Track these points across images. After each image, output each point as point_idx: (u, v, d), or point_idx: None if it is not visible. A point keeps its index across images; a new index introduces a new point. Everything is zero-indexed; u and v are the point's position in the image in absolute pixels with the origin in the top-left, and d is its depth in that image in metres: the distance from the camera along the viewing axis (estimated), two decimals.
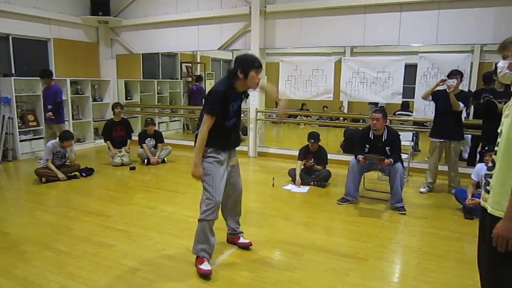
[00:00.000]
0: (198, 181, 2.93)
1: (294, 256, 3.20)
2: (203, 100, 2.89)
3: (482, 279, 1.90)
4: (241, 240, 3.38)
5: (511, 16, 5.37)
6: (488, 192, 1.77)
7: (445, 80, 4.70)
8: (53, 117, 6.67)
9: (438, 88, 4.85)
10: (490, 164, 1.81)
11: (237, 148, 3.17)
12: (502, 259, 1.70)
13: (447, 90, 4.66)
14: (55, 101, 6.70)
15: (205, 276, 2.81)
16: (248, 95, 3.04)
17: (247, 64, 2.78)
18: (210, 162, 2.85)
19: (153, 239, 3.50)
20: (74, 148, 5.93)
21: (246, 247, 3.33)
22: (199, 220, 2.91)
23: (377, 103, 7.39)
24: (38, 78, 7.19)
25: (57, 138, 5.64)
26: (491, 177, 1.76)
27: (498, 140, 1.74)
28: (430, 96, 4.92)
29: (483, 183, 1.90)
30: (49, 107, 6.69)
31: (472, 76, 7.98)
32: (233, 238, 3.40)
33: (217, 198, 2.86)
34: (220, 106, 2.77)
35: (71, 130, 7.01)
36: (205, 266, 2.86)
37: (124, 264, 3.02)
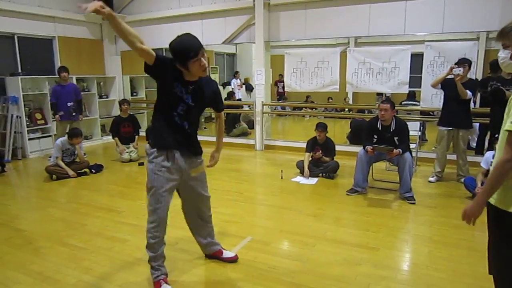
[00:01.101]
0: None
1: (306, 247, 3.23)
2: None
3: (489, 267, 1.92)
4: (225, 254, 3.00)
5: None
6: None
7: (454, 68, 4.68)
8: (74, 113, 6.71)
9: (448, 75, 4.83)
10: (495, 153, 1.82)
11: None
12: (504, 251, 1.77)
13: (455, 78, 4.64)
14: (76, 98, 6.77)
15: None
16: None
17: (182, 57, 2.32)
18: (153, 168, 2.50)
19: None
20: (83, 145, 5.97)
21: (233, 261, 2.97)
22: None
23: (385, 94, 7.38)
24: (45, 76, 7.26)
25: (66, 136, 5.68)
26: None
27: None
28: (439, 84, 4.90)
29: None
30: (69, 104, 6.64)
31: (478, 64, 7.93)
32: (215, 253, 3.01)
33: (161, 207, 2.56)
34: (163, 65, 2.39)
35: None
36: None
37: (139, 258, 3.06)
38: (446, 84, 4.84)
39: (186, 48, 2.32)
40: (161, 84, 2.48)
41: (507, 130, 1.61)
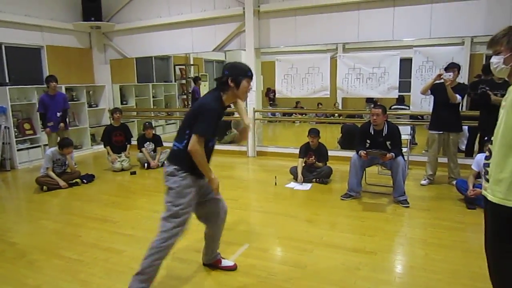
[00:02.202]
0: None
1: (303, 253, 3.23)
2: (193, 113, 2.49)
3: (489, 267, 1.94)
4: (224, 263, 3.02)
5: (501, 7, 5.46)
6: (488, 181, 1.83)
7: (442, 74, 4.76)
8: (63, 123, 6.61)
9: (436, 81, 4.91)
10: (487, 154, 1.87)
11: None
12: (502, 249, 1.79)
13: (445, 83, 4.72)
14: (65, 108, 6.66)
15: None
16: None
17: (239, 72, 2.49)
18: (185, 187, 2.53)
19: None
20: (73, 155, 5.90)
21: (231, 270, 2.99)
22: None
23: (374, 100, 7.47)
24: (33, 86, 7.17)
25: (57, 146, 5.61)
26: (489, 166, 1.83)
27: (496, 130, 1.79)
28: (429, 90, 4.98)
29: (483, 173, 1.96)
30: (59, 114, 6.53)
31: (463, 68, 8.08)
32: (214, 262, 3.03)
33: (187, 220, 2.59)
34: (215, 126, 2.49)
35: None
36: None
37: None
38: (436, 89, 4.92)
39: (248, 68, 2.56)
40: None
41: None
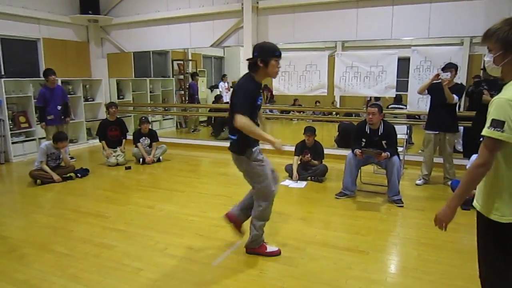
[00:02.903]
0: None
1: (296, 251, 3.22)
2: (233, 96, 2.83)
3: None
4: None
5: (500, 7, 5.44)
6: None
7: (440, 74, 4.74)
8: (63, 117, 6.61)
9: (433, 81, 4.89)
10: None
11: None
12: (485, 256, 1.82)
13: (442, 83, 4.70)
14: (64, 101, 6.64)
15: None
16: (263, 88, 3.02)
17: (267, 53, 2.74)
18: (258, 164, 2.90)
19: (154, 239, 3.49)
20: (69, 148, 5.87)
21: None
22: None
23: (378, 99, 7.48)
24: (29, 79, 7.12)
25: (51, 140, 5.57)
26: None
27: None
28: (426, 90, 4.96)
29: None
30: (59, 107, 6.52)
31: (462, 68, 8.07)
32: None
33: (272, 187, 2.97)
34: (251, 103, 2.77)
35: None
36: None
37: (127, 265, 3.01)
38: (433, 89, 4.91)
39: (275, 47, 2.79)
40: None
41: (482, 135, 1.62)
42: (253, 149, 2.86)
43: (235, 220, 3.22)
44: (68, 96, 7.73)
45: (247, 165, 2.88)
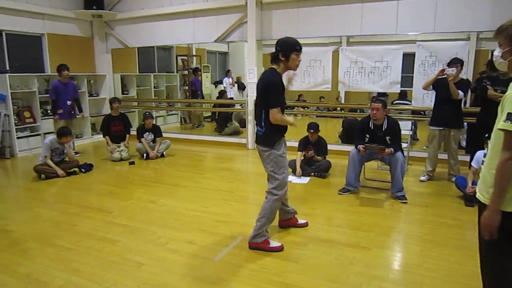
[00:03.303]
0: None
1: (298, 247, 3.21)
2: (261, 94, 2.97)
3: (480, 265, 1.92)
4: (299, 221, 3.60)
5: (507, 2, 5.35)
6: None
7: (445, 69, 4.68)
8: (73, 112, 6.73)
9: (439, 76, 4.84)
10: (486, 152, 1.84)
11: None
12: (488, 250, 1.79)
13: (447, 78, 4.65)
14: (75, 96, 6.79)
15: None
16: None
17: (289, 47, 2.88)
18: (282, 155, 3.04)
19: (156, 233, 3.50)
20: (74, 143, 5.89)
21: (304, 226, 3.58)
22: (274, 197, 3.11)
23: (385, 95, 7.43)
24: (33, 74, 7.16)
25: (55, 135, 5.60)
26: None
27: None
28: (431, 85, 4.91)
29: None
30: (69, 102, 6.65)
31: (468, 64, 7.99)
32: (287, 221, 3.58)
33: (286, 178, 3.12)
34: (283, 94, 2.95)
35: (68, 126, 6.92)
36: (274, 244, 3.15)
37: (129, 259, 3.02)
38: (438, 85, 4.85)
39: (296, 42, 2.92)
40: None
41: (501, 129, 1.61)
42: (280, 141, 3.02)
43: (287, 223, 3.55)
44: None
45: (274, 157, 3.00)
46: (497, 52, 1.78)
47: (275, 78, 2.90)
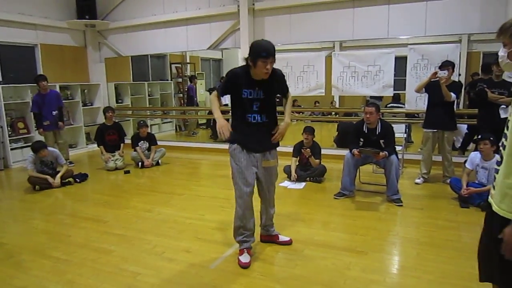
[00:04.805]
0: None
1: (294, 253, 3.20)
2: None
3: (483, 271, 1.82)
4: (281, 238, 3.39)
5: (497, 4, 5.42)
6: (494, 188, 1.66)
7: (437, 72, 4.73)
8: (59, 121, 6.65)
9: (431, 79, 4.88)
10: (499, 159, 1.66)
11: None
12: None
13: (440, 81, 4.69)
14: (59, 105, 6.67)
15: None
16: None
17: (254, 53, 2.69)
18: (234, 151, 2.94)
19: (151, 243, 3.48)
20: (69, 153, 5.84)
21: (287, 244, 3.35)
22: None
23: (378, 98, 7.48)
24: (27, 85, 7.13)
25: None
26: (497, 173, 1.64)
27: (506, 132, 1.60)
28: (423, 88, 4.95)
29: (492, 179, 1.79)
30: (54, 112, 6.55)
31: (460, 66, 8.05)
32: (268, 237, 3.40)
33: (242, 188, 2.90)
34: (227, 86, 2.87)
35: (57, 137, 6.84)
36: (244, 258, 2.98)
37: (124, 269, 2.99)
38: (430, 87, 4.89)
39: (262, 48, 2.69)
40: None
41: None
42: (238, 145, 2.91)
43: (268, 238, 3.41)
44: (67, 101, 7.78)
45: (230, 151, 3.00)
46: (502, 53, 1.65)
47: (232, 70, 2.88)
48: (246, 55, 2.76)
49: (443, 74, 4.66)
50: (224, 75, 12.20)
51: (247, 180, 2.90)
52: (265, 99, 2.87)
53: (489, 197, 1.73)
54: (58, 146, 6.52)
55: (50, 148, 5.58)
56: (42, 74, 6.60)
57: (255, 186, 3.04)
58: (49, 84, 6.61)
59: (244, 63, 2.81)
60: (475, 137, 5.36)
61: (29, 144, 7.12)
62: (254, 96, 2.83)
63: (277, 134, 2.95)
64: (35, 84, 6.56)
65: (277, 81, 2.95)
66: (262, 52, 2.65)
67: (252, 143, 2.90)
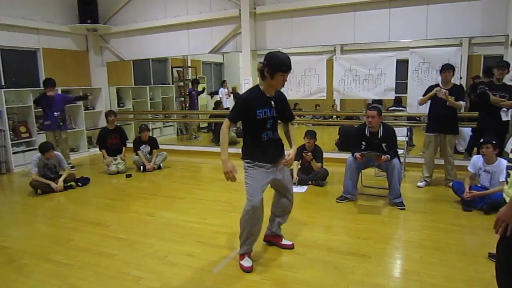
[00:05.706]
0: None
1: (297, 257, 3.19)
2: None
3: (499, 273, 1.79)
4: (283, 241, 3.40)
5: (497, 8, 5.43)
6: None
7: (437, 92, 4.75)
8: (61, 123, 6.68)
9: (432, 83, 4.89)
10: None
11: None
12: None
13: (443, 97, 4.70)
14: (62, 107, 6.73)
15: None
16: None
17: (274, 67, 2.71)
18: (248, 167, 2.97)
19: (153, 246, 3.48)
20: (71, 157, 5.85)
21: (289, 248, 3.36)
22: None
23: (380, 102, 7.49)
24: (29, 89, 7.15)
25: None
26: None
27: None
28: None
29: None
30: (56, 114, 6.60)
31: (461, 69, 8.05)
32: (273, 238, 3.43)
33: (255, 199, 2.91)
34: (241, 114, 2.86)
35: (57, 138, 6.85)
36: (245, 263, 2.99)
37: (127, 273, 2.99)
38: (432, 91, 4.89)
39: (283, 62, 2.72)
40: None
41: None
42: (253, 159, 2.93)
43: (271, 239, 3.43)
44: (69, 105, 7.76)
45: (245, 167, 3.01)
46: None
47: (241, 95, 2.97)
48: (261, 66, 2.77)
49: (442, 94, 4.69)
50: (224, 79, 12.32)
51: (259, 192, 2.96)
52: (277, 116, 2.96)
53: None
54: (60, 149, 6.53)
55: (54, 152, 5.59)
56: (50, 78, 6.62)
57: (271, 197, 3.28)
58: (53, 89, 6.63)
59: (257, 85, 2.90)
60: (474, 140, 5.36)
61: (31, 148, 7.21)
62: (268, 115, 2.87)
63: (288, 161, 3.02)
64: (42, 88, 6.62)
65: (282, 102, 3.02)
66: (283, 67, 2.70)
67: (264, 158, 2.95)
